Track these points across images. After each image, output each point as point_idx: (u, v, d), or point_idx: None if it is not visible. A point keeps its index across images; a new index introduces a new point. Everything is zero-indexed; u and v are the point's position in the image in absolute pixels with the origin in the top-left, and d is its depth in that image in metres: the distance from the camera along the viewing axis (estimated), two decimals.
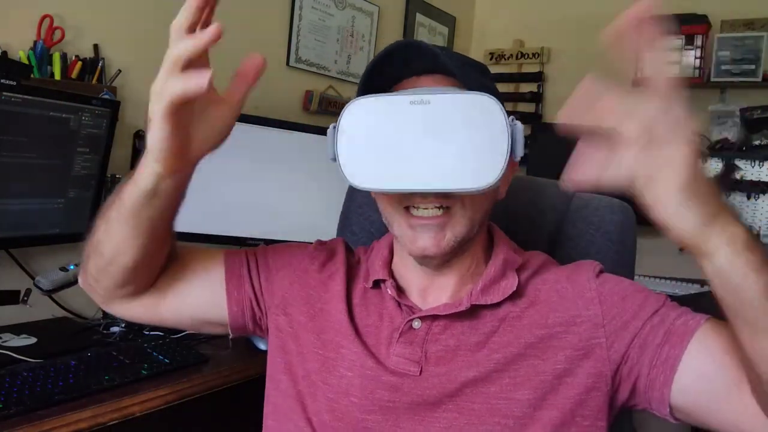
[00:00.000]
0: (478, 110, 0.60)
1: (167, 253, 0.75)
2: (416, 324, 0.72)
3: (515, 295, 0.72)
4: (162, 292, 0.77)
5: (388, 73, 0.69)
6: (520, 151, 0.61)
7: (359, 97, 0.64)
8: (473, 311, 0.71)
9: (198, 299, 0.78)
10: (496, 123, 0.60)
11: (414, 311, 0.72)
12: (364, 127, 0.63)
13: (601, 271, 0.73)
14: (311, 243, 0.85)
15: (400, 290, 0.75)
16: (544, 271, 0.75)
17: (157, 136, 0.56)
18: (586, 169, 0.50)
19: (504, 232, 0.80)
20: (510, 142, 0.60)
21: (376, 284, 0.76)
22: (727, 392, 0.60)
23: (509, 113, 0.62)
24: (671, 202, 0.49)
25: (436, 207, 0.67)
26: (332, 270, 0.79)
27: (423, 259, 0.71)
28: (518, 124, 0.62)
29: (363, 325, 0.74)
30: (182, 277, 0.77)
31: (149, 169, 0.59)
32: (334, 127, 0.65)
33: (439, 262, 0.71)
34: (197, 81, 0.54)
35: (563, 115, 0.49)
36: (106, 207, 0.68)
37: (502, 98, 0.65)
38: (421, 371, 0.69)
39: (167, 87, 0.54)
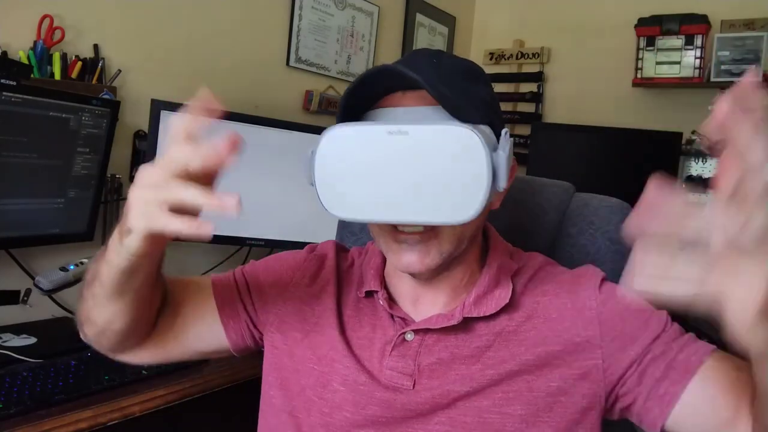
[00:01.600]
0: (457, 143, 0.58)
1: (159, 302, 0.75)
2: (409, 336, 0.71)
3: (511, 307, 0.70)
4: (162, 337, 0.76)
5: (369, 88, 0.66)
6: (503, 183, 0.59)
7: (336, 126, 0.63)
8: (466, 323, 0.70)
9: (198, 336, 0.78)
10: (476, 157, 0.58)
11: (407, 323, 0.71)
12: (342, 156, 0.62)
13: (602, 282, 0.71)
14: (302, 248, 0.83)
15: (392, 300, 0.74)
16: (542, 279, 0.73)
17: (134, 241, 0.53)
18: (643, 279, 0.44)
19: (503, 233, 0.79)
20: (490, 176, 0.58)
21: (369, 294, 0.75)
22: (720, 429, 0.61)
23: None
24: (745, 322, 0.44)
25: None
26: (323, 282, 0.78)
27: (410, 274, 0.70)
28: (501, 154, 0.60)
29: (356, 337, 0.74)
30: (178, 319, 0.77)
31: (124, 253, 0.56)
32: (312, 152, 0.63)
33: (427, 276, 0.70)
34: (200, 232, 0.49)
35: (630, 222, 0.43)
36: (89, 280, 0.66)
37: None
38: (414, 384, 0.68)
39: (161, 218, 0.50)
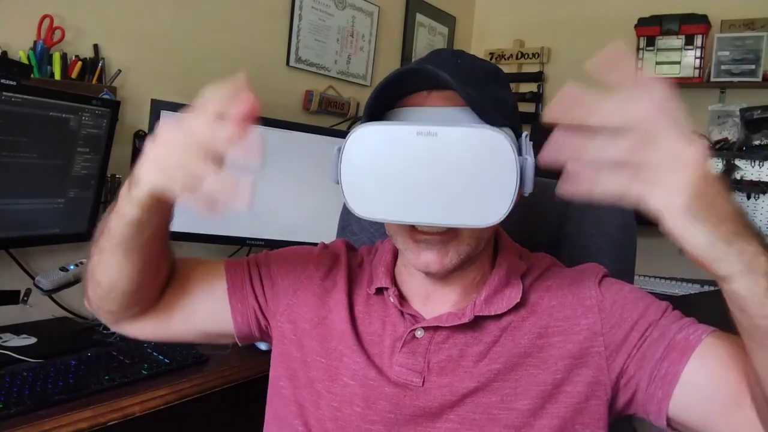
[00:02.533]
0: (487, 146, 0.58)
1: (167, 270, 0.75)
2: (419, 333, 0.71)
3: (518, 304, 0.71)
4: (168, 308, 0.76)
5: (397, 87, 0.66)
6: (529, 187, 0.60)
7: (364, 125, 0.62)
8: (477, 321, 0.70)
9: (204, 314, 0.78)
10: (505, 160, 0.58)
11: (417, 320, 0.72)
12: (369, 156, 0.61)
13: (604, 276, 0.72)
14: (314, 245, 0.84)
15: (402, 298, 0.74)
16: (547, 277, 0.74)
17: (140, 193, 0.56)
18: (577, 182, 0.45)
19: (508, 234, 0.79)
20: (518, 180, 0.59)
21: (379, 291, 0.75)
22: (725, 409, 0.60)
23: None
24: (677, 211, 0.43)
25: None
26: (336, 277, 0.79)
27: (426, 274, 0.70)
28: (529, 159, 0.60)
29: (366, 332, 0.74)
30: (186, 293, 0.77)
31: (135, 199, 0.57)
32: (339, 150, 0.63)
33: (442, 275, 0.70)
34: (234, 202, 0.48)
35: (547, 113, 0.45)
36: (97, 235, 0.66)
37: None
38: (423, 382, 0.69)
39: (177, 180, 0.50)
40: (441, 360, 0.70)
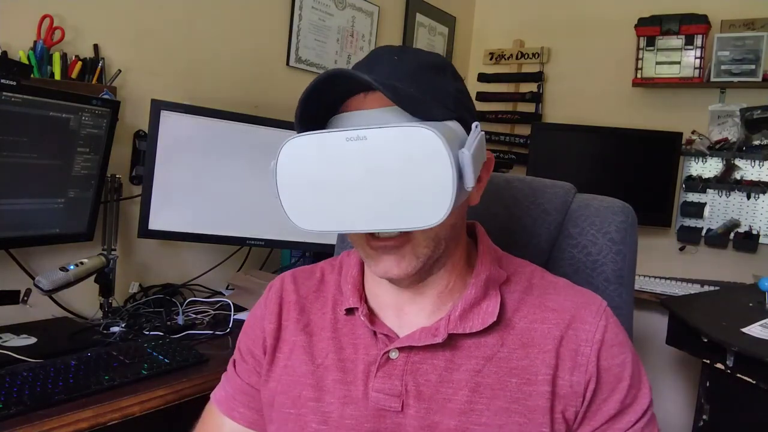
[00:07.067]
0: (417, 144, 0.56)
1: None
2: (393, 354, 0.67)
3: (502, 327, 0.67)
4: None
5: (326, 94, 0.63)
6: (470, 181, 0.57)
7: (293, 137, 0.60)
8: (453, 340, 0.67)
9: None
10: (438, 157, 0.55)
11: (390, 340, 0.68)
12: (302, 167, 0.60)
13: (604, 316, 0.68)
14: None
15: (374, 314, 0.71)
16: (541, 299, 0.69)
17: None
18: None
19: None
20: (456, 177, 0.56)
21: (350, 311, 0.72)
22: None
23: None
24: None
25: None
26: (287, 318, 0.76)
27: (390, 280, 0.67)
28: (465, 152, 0.57)
29: (337, 360, 0.70)
30: None
31: None
32: (274, 165, 0.61)
33: (408, 282, 0.67)
34: None
35: None
36: None
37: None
38: (402, 406, 0.66)
39: None
40: (419, 383, 0.66)
